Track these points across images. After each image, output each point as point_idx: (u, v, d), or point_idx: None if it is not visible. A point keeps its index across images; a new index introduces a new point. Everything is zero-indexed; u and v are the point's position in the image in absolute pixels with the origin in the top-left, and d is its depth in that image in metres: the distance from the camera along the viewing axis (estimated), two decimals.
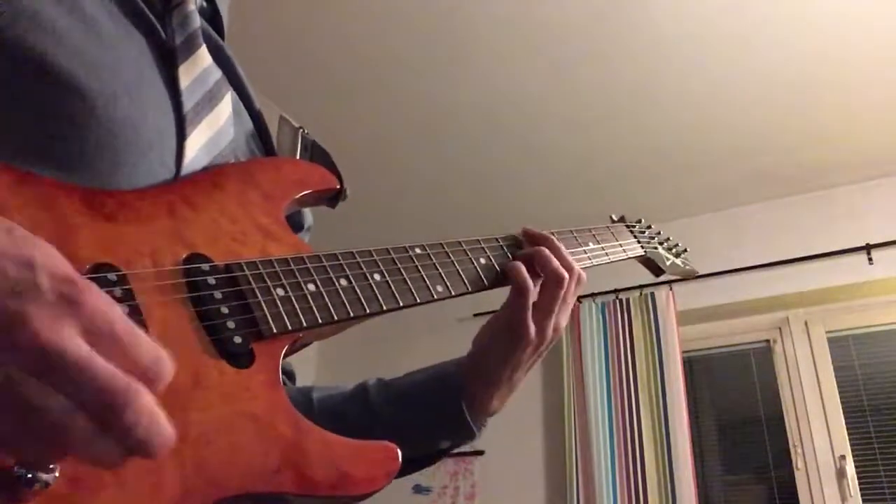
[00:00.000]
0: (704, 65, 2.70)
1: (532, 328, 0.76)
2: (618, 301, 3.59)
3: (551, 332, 0.78)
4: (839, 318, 3.36)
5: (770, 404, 3.39)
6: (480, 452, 3.66)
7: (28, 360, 0.36)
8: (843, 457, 3.11)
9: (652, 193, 3.54)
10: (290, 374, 0.83)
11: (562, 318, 0.79)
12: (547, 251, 0.80)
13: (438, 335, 3.61)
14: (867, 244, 3.26)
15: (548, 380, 3.70)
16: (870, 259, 3.25)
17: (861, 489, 3.05)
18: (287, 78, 2.76)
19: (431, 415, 0.78)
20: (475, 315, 3.70)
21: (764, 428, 3.39)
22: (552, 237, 0.83)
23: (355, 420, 0.78)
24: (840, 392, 3.23)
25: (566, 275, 0.79)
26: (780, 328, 3.46)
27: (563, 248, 0.82)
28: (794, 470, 3.21)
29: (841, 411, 3.20)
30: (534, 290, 0.77)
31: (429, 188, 3.54)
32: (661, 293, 3.50)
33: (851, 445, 3.14)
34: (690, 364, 3.61)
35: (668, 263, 1.07)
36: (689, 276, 1.14)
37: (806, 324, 3.40)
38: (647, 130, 3.09)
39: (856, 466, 3.10)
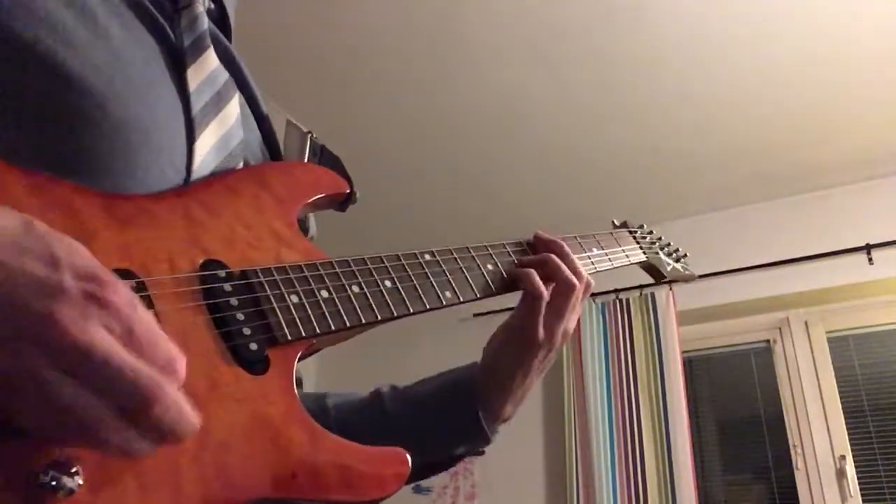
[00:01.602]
0: (704, 65, 2.71)
1: (543, 333, 0.77)
2: (618, 301, 3.60)
3: (560, 337, 0.79)
4: (839, 318, 3.36)
5: (770, 404, 3.39)
6: (481, 452, 3.66)
7: (59, 358, 0.38)
8: (843, 457, 3.12)
9: (652, 194, 3.55)
10: (298, 381, 0.83)
11: (571, 323, 0.80)
12: (557, 258, 0.81)
13: (440, 336, 3.62)
14: (867, 244, 3.26)
15: (548, 380, 3.70)
16: (870, 259, 3.25)
17: (861, 489, 3.06)
18: (287, 78, 2.76)
19: (447, 422, 0.79)
20: (476, 315, 3.70)
21: (764, 428, 3.39)
22: (563, 243, 0.83)
23: (371, 427, 0.79)
24: (840, 392, 3.23)
25: (577, 282, 0.80)
26: (780, 328, 3.47)
27: (572, 254, 0.82)
28: (794, 470, 3.21)
29: (841, 411, 3.20)
30: (546, 297, 0.78)
31: (429, 188, 3.54)
32: (662, 293, 3.50)
33: (851, 445, 3.14)
34: (690, 364, 3.61)
35: (668, 269, 1.08)
36: (689, 281, 1.15)
37: (806, 324, 3.41)
38: (647, 131, 3.09)
39: (856, 466, 3.10)
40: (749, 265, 3.44)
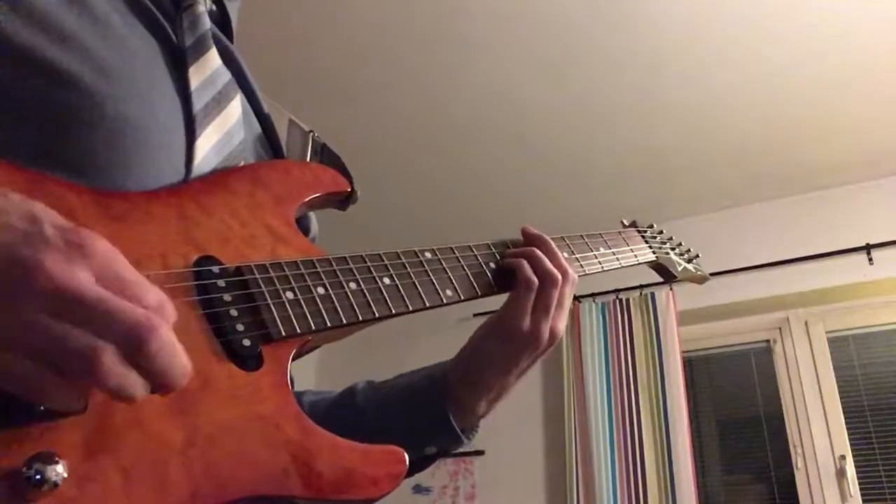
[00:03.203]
0: (705, 65, 2.70)
1: (528, 326, 0.75)
2: (618, 301, 3.59)
3: (547, 336, 0.77)
4: (839, 318, 3.36)
5: (770, 404, 3.39)
6: (480, 452, 3.66)
7: (49, 302, 0.39)
8: (843, 457, 3.11)
9: (652, 194, 3.54)
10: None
11: (559, 321, 0.78)
12: (540, 252, 0.79)
13: (439, 336, 3.60)
14: (867, 244, 3.26)
15: (548, 380, 3.70)
16: (870, 259, 3.25)
17: (861, 489, 3.06)
18: (286, 79, 2.76)
19: (416, 421, 0.77)
20: (475, 315, 3.69)
21: (764, 428, 3.39)
22: (547, 238, 0.82)
23: (342, 424, 0.78)
24: (840, 392, 3.23)
25: (559, 276, 0.78)
26: (780, 328, 3.46)
27: (556, 249, 0.81)
28: (794, 470, 3.21)
29: (841, 411, 3.20)
30: (535, 287, 0.76)
31: (429, 189, 3.54)
32: (662, 293, 3.50)
33: (851, 445, 3.14)
34: (690, 364, 3.61)
35: (679, 269, 1.06)
36: (701, 282, 1.12)
37: (806, 324, 3.40)
38: (647, 131, 3.09)
39: (856, 466, 3.10)
40: (749, 265, 3.44)
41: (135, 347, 0.40)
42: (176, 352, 0.42)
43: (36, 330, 0.38)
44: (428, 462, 0.79)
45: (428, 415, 0.76)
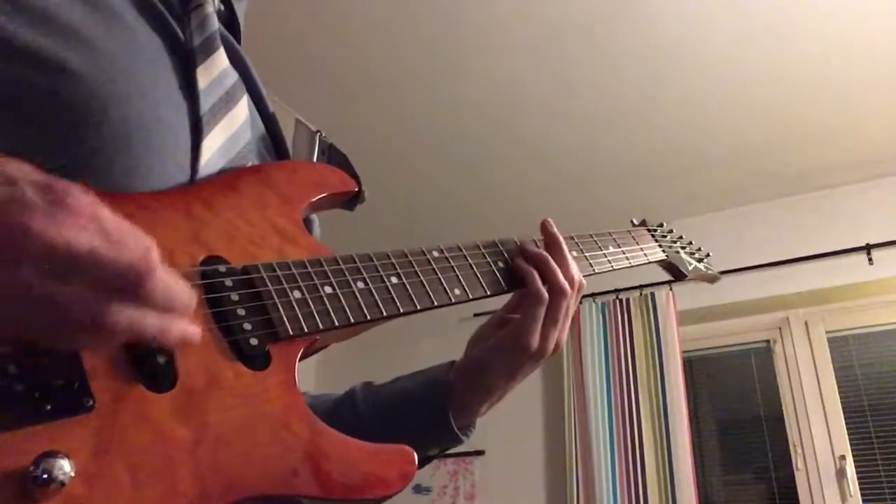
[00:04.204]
0: (705, 65, 2.70)
1: (539, 342, 0.75)
2: (618, 301, 3.59)
3: (553, 346, 0.76)
4: (839, 318, 3.36)
5: (770, 404, 3.39)
6: (480, 452, 3.66)
7: (43, 264, 0.39)
8: (843, 457, 3.11)
9: (652, 193, 3.54)
10: None
11: (564, 332, 0.77)
12: (552, 262, 0.78)
13: (440, 336, 3.60)
14: (867, 244, 3.26)
15: (548, 380, 3.70)
16: (870, 259, 3.25)
17: (861, 489, 3.06)
18: (287, 78, 2.75)
19: (418, 425, 0.77)
20: (476, 315, 3.69)
21: (764, 428, 3.39)
22: (562, 243, 0.81)
23: (342, 427, 0.78)
24: (840, 392, 3.23)
25: (569, 289, 0.77)
26: (780, 328, 3.46)
27: (568, 255, 0.80)
28: (794, 470, 3.21)
29: (841, 411, 3.20)
30: (546, 301, 0.75)
31: (429, 189, 3.54)
32: (661, 293, 3.50)
33: (851, 445, 3.14)
34: (690, 364, 3.61)
35: (690, 268, 1.05)
36: (712, 281, 1.11)
37: (806, 324, 3.40)
38: (648, 130, 3.09)
39: (856, 466, 3.10)
40: (749, 265, 3.43)
41: (133, 291, 0.42)
42: (171, 283, 0.44)
43: (35, 296, 0.39)
44: (426, 462, 0.79)
45: (430, 419, 0.76)
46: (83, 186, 0.43)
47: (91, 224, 0.41)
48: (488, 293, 0.74)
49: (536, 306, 0.75)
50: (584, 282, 0.81)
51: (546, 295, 0.75)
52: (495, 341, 0.77)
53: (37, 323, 0.40)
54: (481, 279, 0.74)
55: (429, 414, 0.77)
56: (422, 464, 0.75)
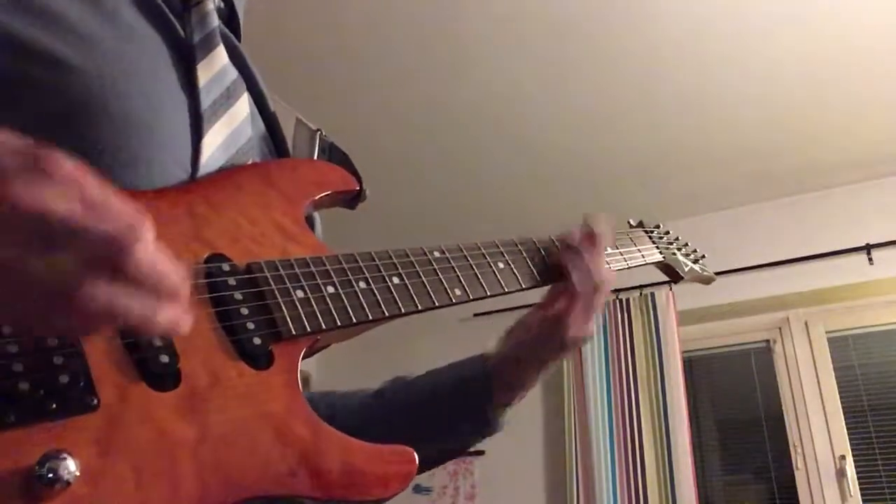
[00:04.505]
0: (705, 65, 2.70)
1: (577, 330, 0.78)
2: (618, 301, 3.59)
3: (588, 335, 0.80)
4: (839, 318, 3.36)
5: (770, 404, 3.39)
6: (480, 452, 3.66)
7: (20, 232, 0.37)
8: (843, 457, 3.12)
9: (651, 193, 3.54)
10: (304, 380, 0.82)
11: (594, 323, 0.81)
12: (594, 259, 0.81)
13: (440, 336, 3.61)
14: (867, 244, 3.26)
15: (548, 380, 3.69)
16: (870, 259, 3.26)
17: (861, 489, 3.06)
18: (285, 77, 2.75)
19: (457, 416, 0.80)
20: (475, 315, 3.69)
21: (764, 428, 3.39)
22: (601, 240, 0.82)
23: (379, 419, 0.79)
24: (840, 392, 3.23)
25: (606, 283, 0.80)
26: (780, 328, 3.46)
27: (602, 252, 0.82)
28: (794, 470, 3.21)
29: (841, 411, 3.20)
30: (586, 299, 0.78)
31: (428, 188, 3.54)
32: (661, 293, 3.50)
33: (851, 445, 3.14)
34: (690, 364, 3.61)
35: (686, 269, 1.06)
36: (708, 283, 1.13)
37: (806, 324, 3.40)
38: (647, 130, 3.09)
39: (856, 466, 3.10)
40: (749, 265, 3.44)
41: (114, 263, 0.38)
42: (157, 260, 0.40)
43: (6, 268, 0.37)
44: (461, 453, 0.83)
45: (470, 412, 0.79)
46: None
47: (72, 190, 0.38)
48: (488, 294, 0.75)
49: (578, 298, 0.78)
50: (615, 276, 0.84)
51: (587, 287, 0.79)
52: (537, 332, 0.80)
53: (11, 300, 0.38)
54: (481, 280, 0.74)
55: (467, 407, 0.79)
56: (459, 454, 0.80)
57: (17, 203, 0.36)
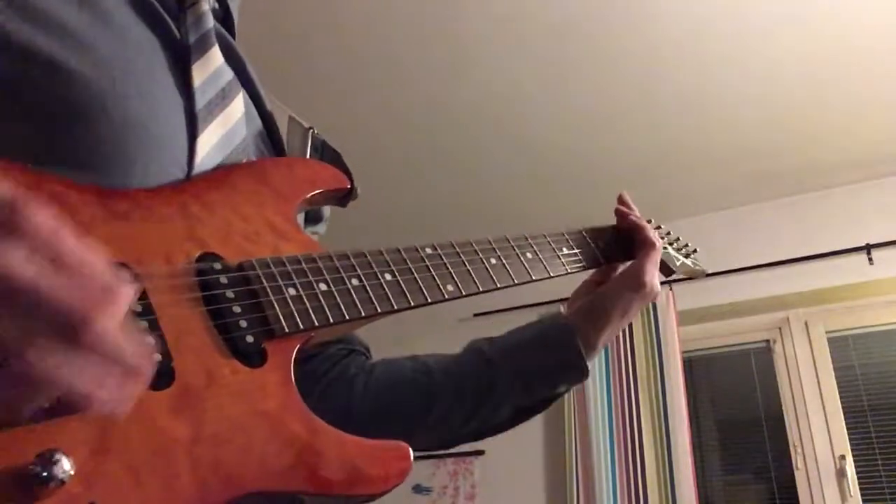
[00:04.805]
0: (705, 65, 2.71)
1: (651, 282, 0.89)
2: None
3: (658, 286, 0.91)
4: (839, 318, 3.36)
5: (770, 404, 3.39)
6: (480, 452, 3.66)
7: None
8: (843, 457, 3.12)
9: (651, 193, 3.54)
10: (367, 349, 0.94)
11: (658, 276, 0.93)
12: (648, 224, 0.97)
13: (439, 336, 3.60)
14: (867, 244, 3.26)
15: None
16: (870, 259, 3.25)
17: (861, 489, 3.06)
18: (284, 78, 2.76)
19: (551, 360, 0.86)
20: (475, 315, 3.70)
21: (764, 428, 3.39)
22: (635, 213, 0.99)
23: (474, 374, 0.84)
24: (840, 392, 3.23)
25: (659, 241, 0.95)
26: (780, 328, 3.46)
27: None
28: (794, 470, 3.21)
29: (841, 411, 3.20)
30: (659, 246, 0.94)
31: (427, 188, 3.54)
32: (661, 293, 3.49)
33: (851, 445, 3.14)
34: (690, 364, 3.61)
35: (678, 264, 1.07)
36: (698, 276, 1.16)
37: (806, 324, 3.40)
38: (647, 130, 3.09)
39: (856, 466, 3.10)
40: (749, 265, 3.44)
41: (71, 335, 0.35)
42: (120, 337, 0.37)
43: None
44: (549, 404, 0.91)
45: (563, 354, 0.85)
46: (51, 201, 0.38)
47: (43, 254, 0.35)
48: (480, 290, 0.76)
49: (652, 251, 0.91)
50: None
51: (658, 241, 0.93)
52: (613, 284, 0.90)
53: None
54: (473, 275, 0.75)
55: (560, 349, 0.85)
56: (548, 404, 0.90)
57: None
